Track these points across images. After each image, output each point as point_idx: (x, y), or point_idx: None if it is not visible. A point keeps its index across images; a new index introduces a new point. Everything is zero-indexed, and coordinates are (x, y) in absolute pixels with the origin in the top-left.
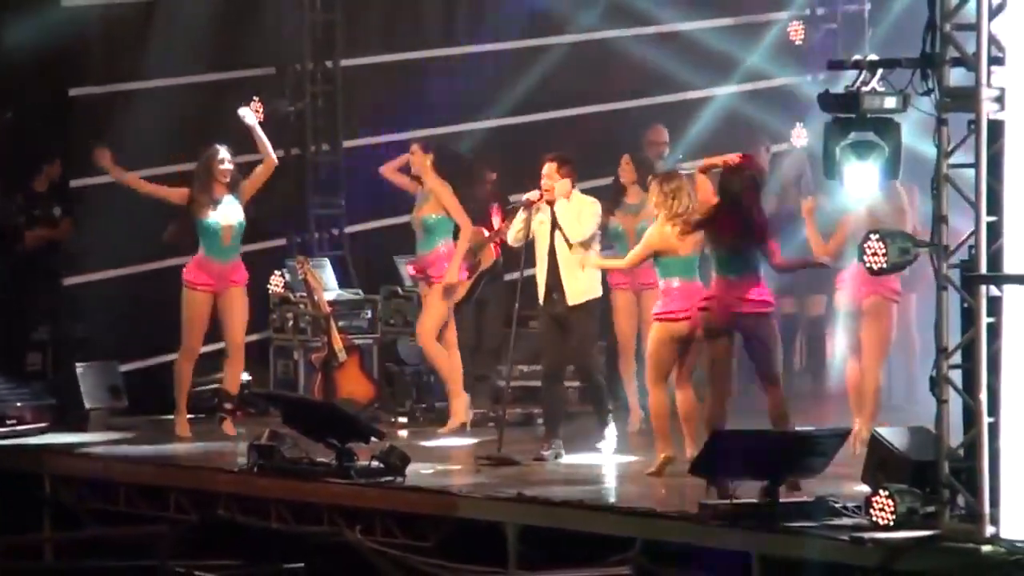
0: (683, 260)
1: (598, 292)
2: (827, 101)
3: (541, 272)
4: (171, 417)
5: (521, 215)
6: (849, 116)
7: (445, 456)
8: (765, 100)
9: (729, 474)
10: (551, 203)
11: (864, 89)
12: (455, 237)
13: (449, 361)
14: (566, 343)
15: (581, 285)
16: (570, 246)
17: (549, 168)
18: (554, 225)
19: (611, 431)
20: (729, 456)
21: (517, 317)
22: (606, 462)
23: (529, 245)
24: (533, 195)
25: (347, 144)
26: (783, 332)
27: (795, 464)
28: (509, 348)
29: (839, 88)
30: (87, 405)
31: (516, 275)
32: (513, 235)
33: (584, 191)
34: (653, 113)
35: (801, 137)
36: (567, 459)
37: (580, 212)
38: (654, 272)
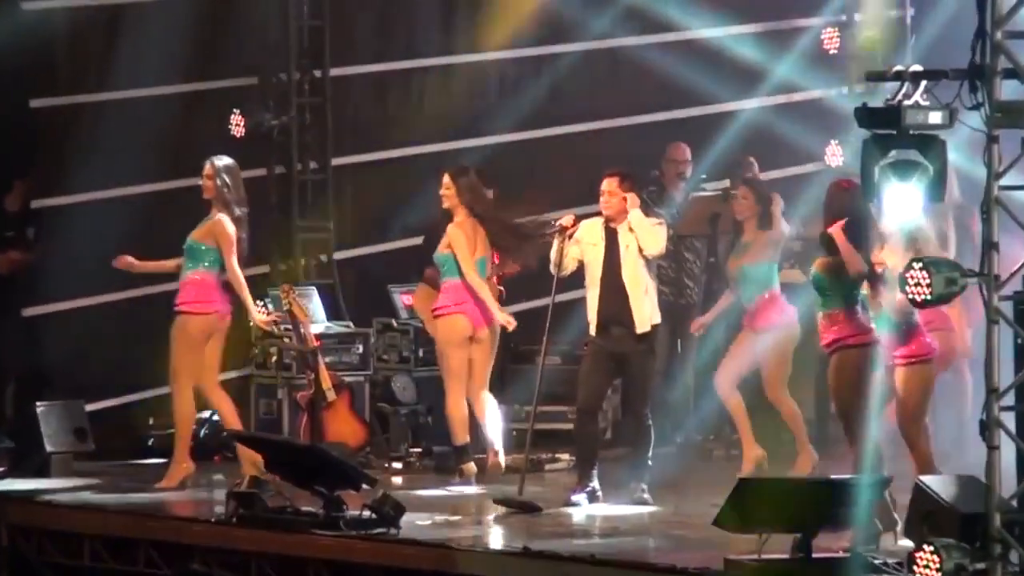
0: None
1: (658, 318)
2: (865, 116)
3: (594, 300)
4: (142, 462)
5: (555, 243)
6: (889, 133)
7: (444, 506)
8: (796, 114)
9: (757, 526)
10: (610, 221)
11: (906, 103)
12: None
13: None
14: (617, 377)
15: (647, 310)
16: (645, 260)
17: (610, 183)
18: (612, 246)
19: (647, 486)
20: (757, 506)
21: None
22: (625, 511)
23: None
24: (566, 220)
25: (336, 162)
26: None
27: (830, 515)
28: (536, 386)
29: (878, 102)
30: (49, 448)
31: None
32: (554, 264)
33: (594, 214)
34: (672, 129)
35: (836, 156)
36: (581, 509)
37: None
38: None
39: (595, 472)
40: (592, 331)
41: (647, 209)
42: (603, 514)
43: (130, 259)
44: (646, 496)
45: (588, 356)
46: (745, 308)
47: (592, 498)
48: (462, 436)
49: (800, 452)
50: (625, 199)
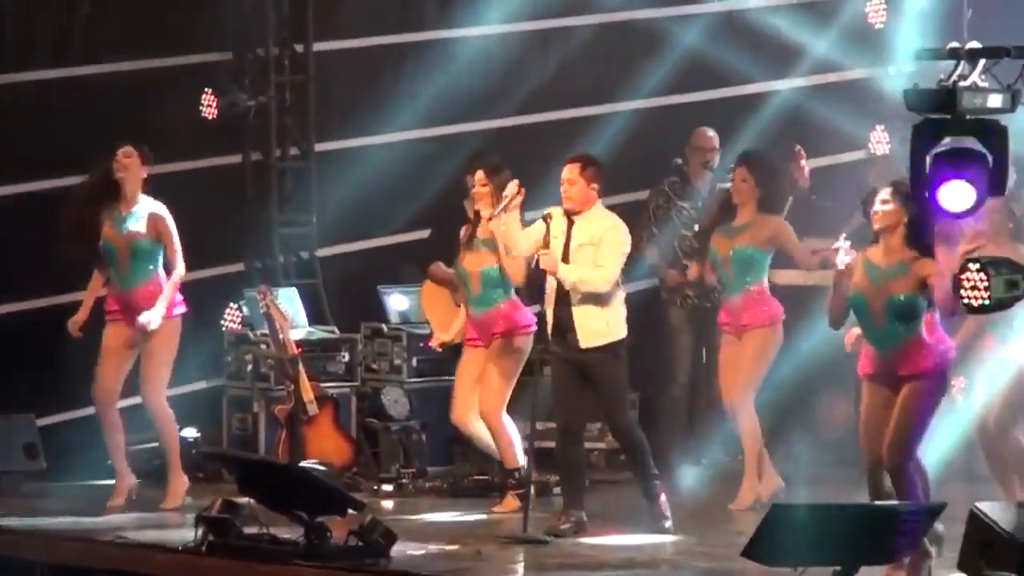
0: None
1: (620, 333)
2: (915, 99)
3: (550, 301)
4: (101, 483)
5: (539, 225)
6: (943, 117)
7: (440, 533)
8: (837, 97)
9: (792, 558)
10: (569, 215)
11: (962, 84)
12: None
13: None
14: (585, 394)
15: (597, 324)
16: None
17: (571, 170)
18: (568, 242)
19: (664, 503)
20: (791, 535)
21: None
22: (641, 540)
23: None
24: (509, 189)
25: (320, 147)
26: None
27: (874, 546)
28: (533, 402)
29: (930, 83)
30: None
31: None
32: (518, 243)
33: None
34: (696, 112)
35: (882, 143)
36: (591, 539)
37: (601, 240)
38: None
39: (583, 500)
40: (549, 338)
41: (667, 203)
42: (618, 544)
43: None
44: (662, 520)
45: (552, 368)
46: (726, 301)
47: (578, 529)
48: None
49: (745, 478)
50: (591, 188)
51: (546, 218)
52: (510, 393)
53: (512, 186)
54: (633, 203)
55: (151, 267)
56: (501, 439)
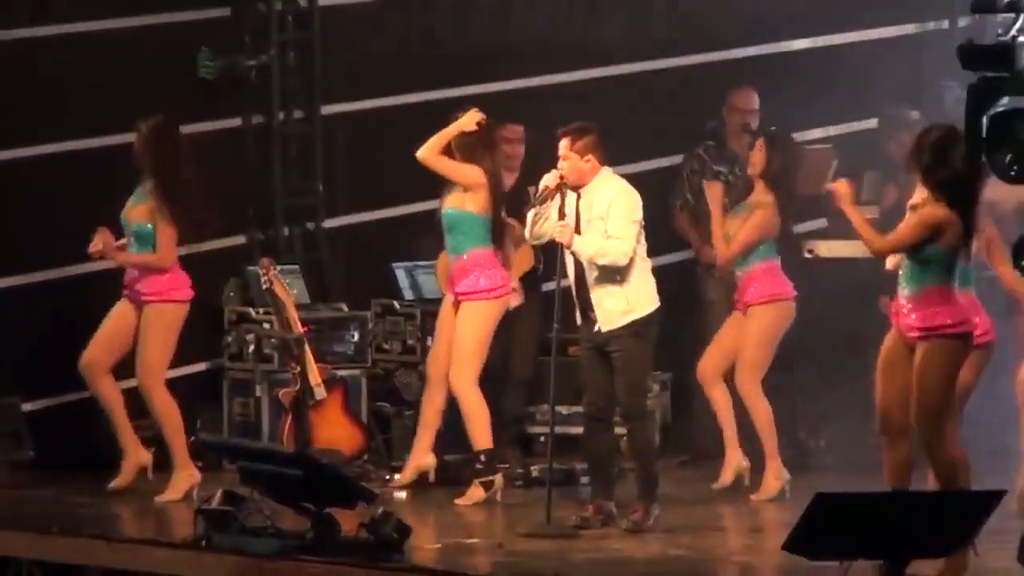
0: None
1: (645, 309)
2: (970, 55)
3: (572, 283)
4: (94, 472)
5: (538, 208)
6: (1000, 76)
7: (457, 525)
8: (887, 53)
9: (836, 551)
10: (574, 190)
11: (1022, 39)
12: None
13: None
14: (612, 377)
15: (616, 303)
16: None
17: (563, 145)
18: (578, 220)
19: (653, 505)
20: (836, 527)
21: (555, 341)
22: (671, 535)
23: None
24: (550, 178)
25: (326, 110)
26: None
27: (926, 537)
28: (551, 383)
29: (988, 38)
30: None
31: (554, 285)
32: (529, 231)
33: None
34: (738, 71)
35: (936, 102)
36: (623, 530)
37: (609, 210)
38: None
39: (612, 490)
40: (578, 320)
41: (702, 167)
42: (651, 536)
43: (109, 239)
44: (643, 518)
45: (582, 353)
46: (735, 279)
47: (608, 520)
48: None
49: (767, 467)
50: (586, 161)
51: (544, 193)
52: (482, 363)
53: (552, 176)
54: (668, 169)
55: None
56: (469, 414)
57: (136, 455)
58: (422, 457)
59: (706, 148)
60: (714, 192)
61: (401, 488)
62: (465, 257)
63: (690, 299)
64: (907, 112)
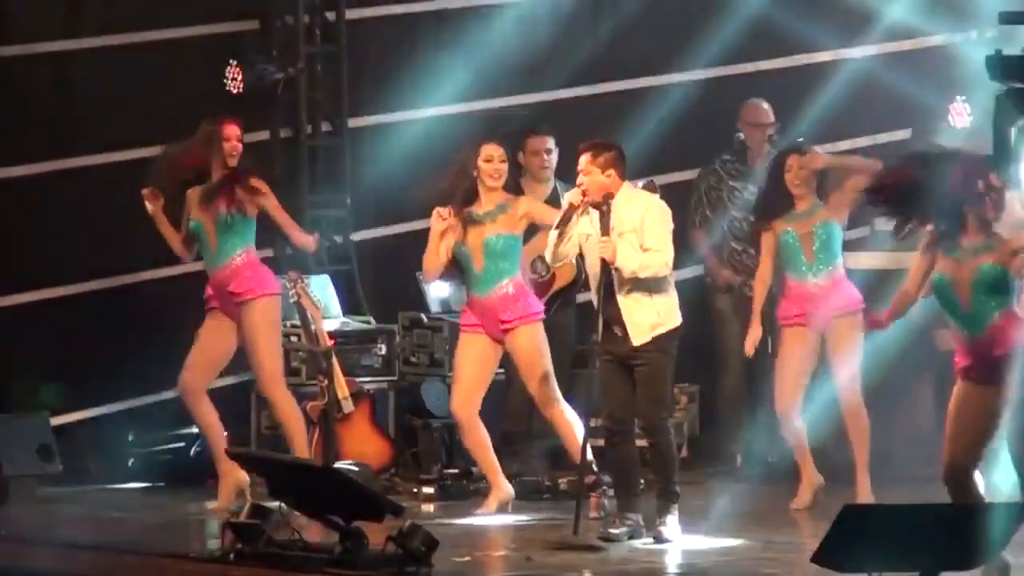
0: None
1: (674, 322)
2: (999, 66)
3: (595, 298)
4: (123, 486)
5: (562, 228)
6: None
7: (485, 538)
8: (913, 65)
9: (865, 564)
10: (597, 206)
11: None
12: None
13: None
14: (635, 389)
15: (647, 316)
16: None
17: (584, 161)
18: (604, 235)
19: (673, 519)
20: (866, 538)
21: (583, 353)
22: (705, 546)
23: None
24: (574, 196)
25: (354, 123)
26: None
27: (957, 548)
28: (592, 393)
29: (1015, 49)
30: (7, 471)
31: (591, 298)
32: (551, 253)
33: (668, 188)
34: (760, 83)
35: (962, 115)
36: (648, 543)
37: (643, 222)
38: None
39: (638, 502)
40: (596, 335)
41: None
42: (678, 549)
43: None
44: (665, 532)
45: (602, 365)
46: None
47: (634, 533)
48: None
49: (804, 473)
50: (607, 176)
51: (568, 214)
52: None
53: (575, 194)
54: (681, 184)
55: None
56: (567, 437)
57: (234, 476)
58: (500, 491)
59: (722, 163)
60: (767, 241)
61: (429, 501)
62: (510, 282)
63: (704, 314)
64: (939, 123)
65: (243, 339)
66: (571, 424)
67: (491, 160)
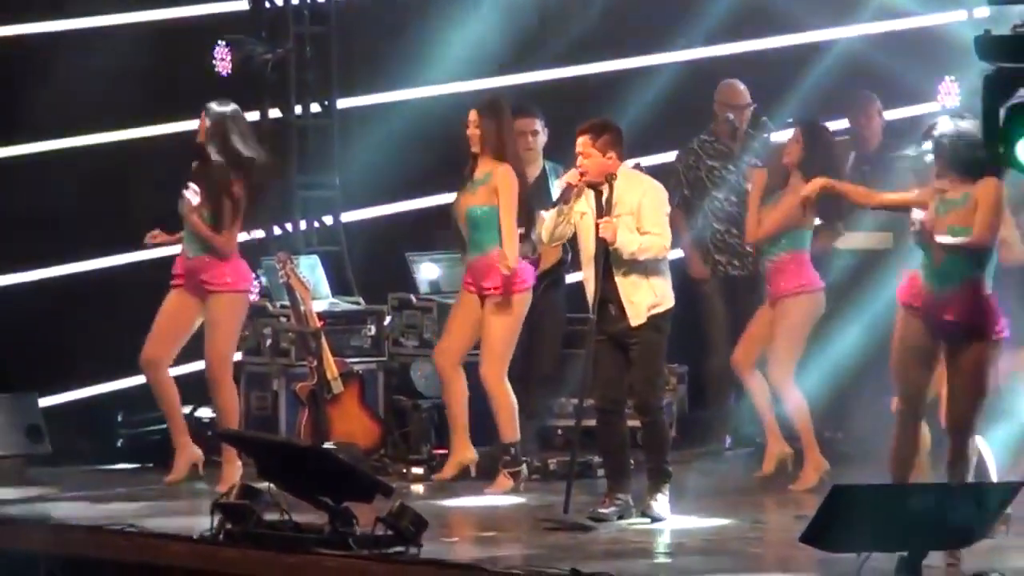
0: None
1: (669, 302)
2: (988, 46)
3: (589, 277)
4: (112, 467)
5: (561, 207)
6: (1018, 67)
7: (474, 518)
8: (903, 45)
9: (854, 543)
10: (593, 186)
11: None
12: None
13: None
14: (627, 368)
15: (645, 296)
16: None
17: (583, 142)
18: (602, 216)
19: (664, 498)
20: (854, 518)
21: (573, 334)
22: (693, 525)
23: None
24: (572, 176)
25: (343, 103)
26: None
27: (944, 529)
28: (583, 374)
29: (1004, 28)
30: None
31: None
32: (548, 232)
33: (651, 171)
34: (746, 64)
35: (951, 95)
36: (638, 522)
37: (641, 205)
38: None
39: (628, 482)
40: (592, 313)
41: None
42: (668, 528)
43: (161, 235)
44: (655, 511)
45: (595, 345)
46: (765, 268)
47: (624, 513)
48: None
49: (807, 459)
50: (608, 158)
51: (565, 194)
52: (511, 355)
53: (573, 175)
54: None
55: None
56: (500, 407)
57: (189, 451)
58: (463, 452)
59: (701, 143)
60: (757, 177)
61: (418, 481)
62: (491, 253)
63: (690, 292)
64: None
65: (205, 323)
66: (509, 398)
67: (467, 125)
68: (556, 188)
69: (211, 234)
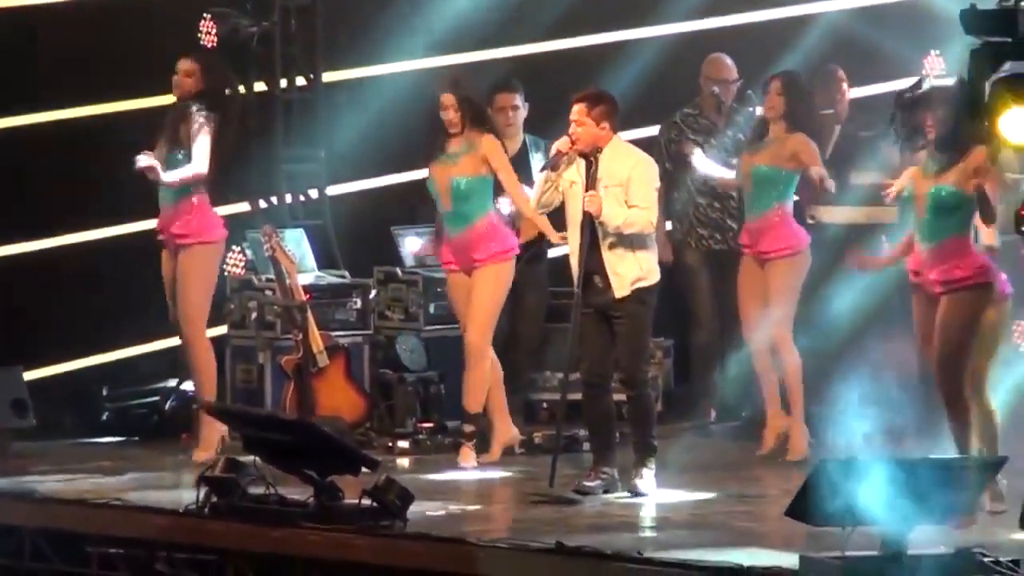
0: None
1: (655, 277)
2: (973, 20)
3: (575, 249)
4: (97, 440)
5: (549, 174)
6: (1003, 40)
7: (459, 492)
8: (888, 19)
9: (839, 518)
10: (585, 156)
11: None
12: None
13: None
14: (612, 342)
15: (631, 269)
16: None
17: (578, 111)
18: (590, 185)
19: (650, 472)
20: (839, 492)
21: (557, 308)
22: (678, 499)
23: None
24: (562, 144)
25: (329, 77)
26: None
27: (929, 504)
28: (569, 347)
29: (990, 2)
30: None
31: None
32: (535, 198)
33: (633, 143)
34: (730, 38)
35: (936, 68)
36: (623, 496)
37: (630, 179)
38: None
39: (613, 456)
40: (576, 285)
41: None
42: (653, 503)
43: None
44: (641, 485)
45: (576, 316)
46: (747, 223)
47: (609, 487)
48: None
49: (793, 428)
50: (601, 128)
51: (555, 160)
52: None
53: (564, 142)
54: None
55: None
56: (475, 378)
57: (216, 426)
58: (507, 432)
59: (684, 116)
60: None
61: (404, 455)
62: (478, 224)
63: (674, 266)
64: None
65: (176, 278)
66: (497, 378)
67: (443, 109)
68: (536, 161)
69: (181, 173)
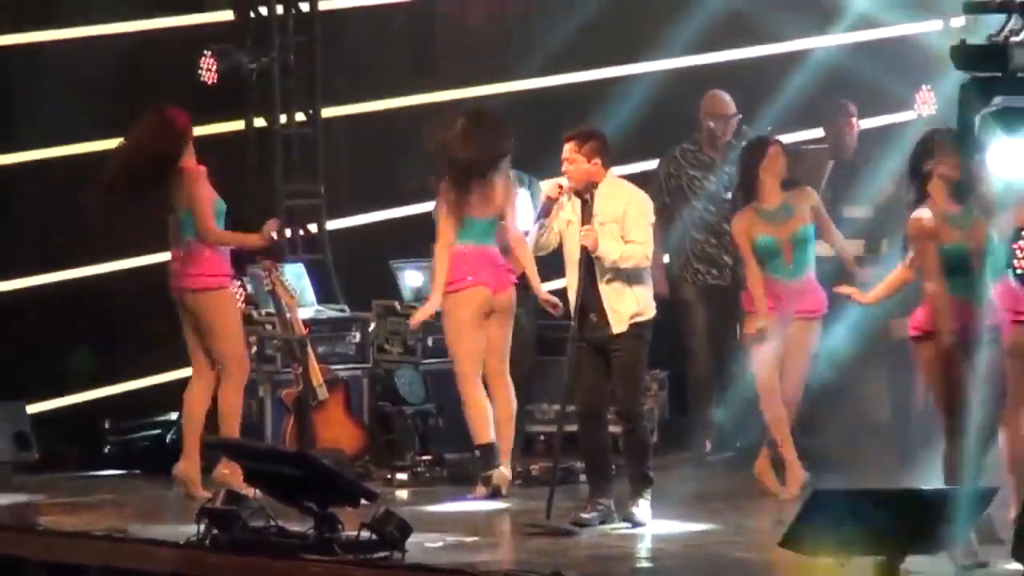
0: None
1: (651, 311)
2: (964, 56)
3: (572, 285)
4: (95, 474)
5: (543, 221)
6: (993, 75)
7: (458, 523)
8: (880, 55)
9: (832, 548)
10: (579, 194)
11: (1015, 40)
12: None
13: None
14: (609, 374)
15: (628, 305)
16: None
17: (568, 149)
18: (586, 222)
19: (646, 503)
20: (834, 523)
21: (551, 340)
22: (675, 530)
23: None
24: (551, 190)
25: (327, 112)
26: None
27: (921, 534)
28: (569, 380)
29: (980, 38)
30: None
31: (557, 285)
32: (534, 243)
33: (629, 178)
34: (726, 74)
35: (927, 103)
36: (619, 527)
37: (625, 214)
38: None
39: (610, 487)
40: (574, 321)
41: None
42: (649, 534)
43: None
44: (637, 515)
45: (573, 350)
46: (786, 286)
47: (606, 518)
48: (486, 434)
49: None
50: (593, 164)
51: (548, 206)
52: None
53: (551, 186)
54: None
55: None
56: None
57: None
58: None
59: (683, 152)
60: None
61: (402, 487)
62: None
63: (669, 300)
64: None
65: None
66: (510, 405)
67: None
68: (522, 196)
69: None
